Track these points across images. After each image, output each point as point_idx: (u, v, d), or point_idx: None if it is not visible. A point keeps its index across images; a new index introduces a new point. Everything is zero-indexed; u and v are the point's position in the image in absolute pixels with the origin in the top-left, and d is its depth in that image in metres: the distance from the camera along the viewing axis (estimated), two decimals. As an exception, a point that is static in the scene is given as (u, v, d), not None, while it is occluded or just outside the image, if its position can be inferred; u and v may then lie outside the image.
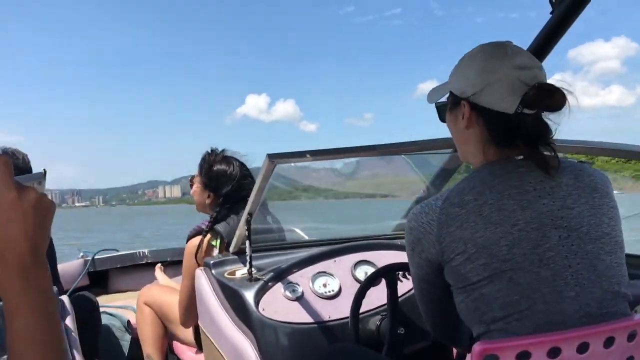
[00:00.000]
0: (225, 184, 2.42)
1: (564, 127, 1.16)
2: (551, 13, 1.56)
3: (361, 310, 1.84)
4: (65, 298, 1.95)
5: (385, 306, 1.91)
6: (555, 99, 1.12)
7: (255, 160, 2.51)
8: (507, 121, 1.14)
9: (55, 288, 1.86)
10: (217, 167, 2.43)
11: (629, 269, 1.85)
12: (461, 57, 1.25)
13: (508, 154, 1.17)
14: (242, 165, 2.46)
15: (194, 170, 2.55)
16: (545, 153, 1.15)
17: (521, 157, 1.15)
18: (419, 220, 1.17)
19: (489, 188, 1.12)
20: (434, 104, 1.34)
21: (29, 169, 2.45)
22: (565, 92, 1.12)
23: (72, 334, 1.81)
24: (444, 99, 1.30)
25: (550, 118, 1.18)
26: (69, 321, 1.85)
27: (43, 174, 1.38)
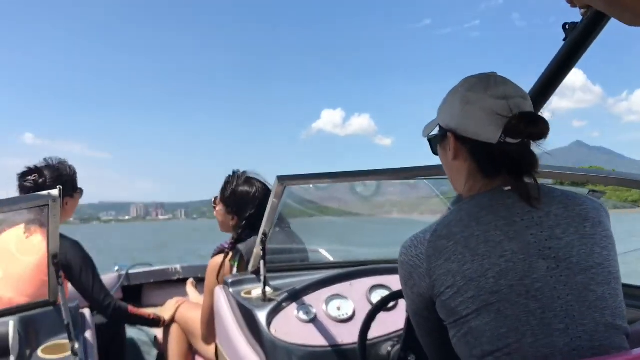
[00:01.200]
0: (247, 206, 2.46)
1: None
2: (564, 40, 1.54)
3: (375, 335, 1.82)
4: (86, 311, 2.00)
5: (399, 332, 1.89)
6: (537, 127, 1.10)
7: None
8: (490, 151, 1.14)
9: (76, 302, 1.92)
10: (239, 189, 2.48)
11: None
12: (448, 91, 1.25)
13: (495, 184, 1.16)
14: (264, 186, 2.49)
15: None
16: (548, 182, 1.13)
17: (508, 187, 1.14)
18: (409, 253, 1.16)
19: (476, 220, 1.10)
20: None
21: (74, 180, 2.55)
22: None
23: (92, 348, 1.85)
24: (435, 132, 1.30)
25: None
26: (89, 335, 1.89)
27: (53, 196, 1.43)
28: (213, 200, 2.64)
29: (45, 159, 2.45)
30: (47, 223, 1.54)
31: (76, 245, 2.44)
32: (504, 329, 1.04)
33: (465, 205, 1.16)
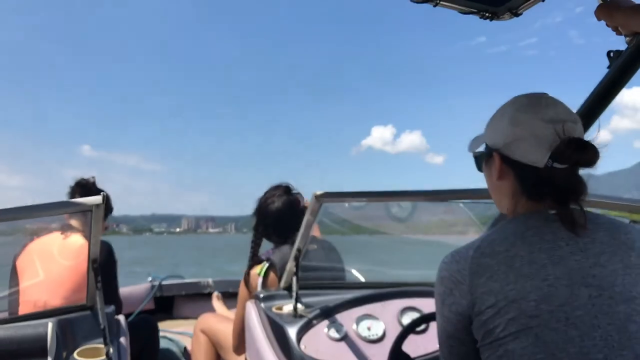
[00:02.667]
0: (262, 216, 2.49)
1: None
2: (608, 67, 1.52)
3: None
4: (121, 317, 2.04)
5: (429, 355, 1.86)
6: (586, 154, 1.08)
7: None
8: (536, 175, 1.12)
9: (112, 307, 1.95)
10: (262, 199, 2.51)
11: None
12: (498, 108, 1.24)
13: (539, 207, 1.14)
14: (290, 202, 2.48)
15: None
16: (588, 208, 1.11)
17: (554, 211, 1.11)
18: (451, 269, 1.13)
19: (521, 239, 1.09)
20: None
21: (95, 190, 2.61)
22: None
23: (125, 353, 1.88)
24: (482, 149, 1.28)
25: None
26: (123, 340, 1.93)
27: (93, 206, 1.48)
28: None
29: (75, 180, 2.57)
30: (90, 228, 1.59)
31: (106, 246, 2.50)
32: (540, 355, 1.01)
33: (510, 224, 1.14)
